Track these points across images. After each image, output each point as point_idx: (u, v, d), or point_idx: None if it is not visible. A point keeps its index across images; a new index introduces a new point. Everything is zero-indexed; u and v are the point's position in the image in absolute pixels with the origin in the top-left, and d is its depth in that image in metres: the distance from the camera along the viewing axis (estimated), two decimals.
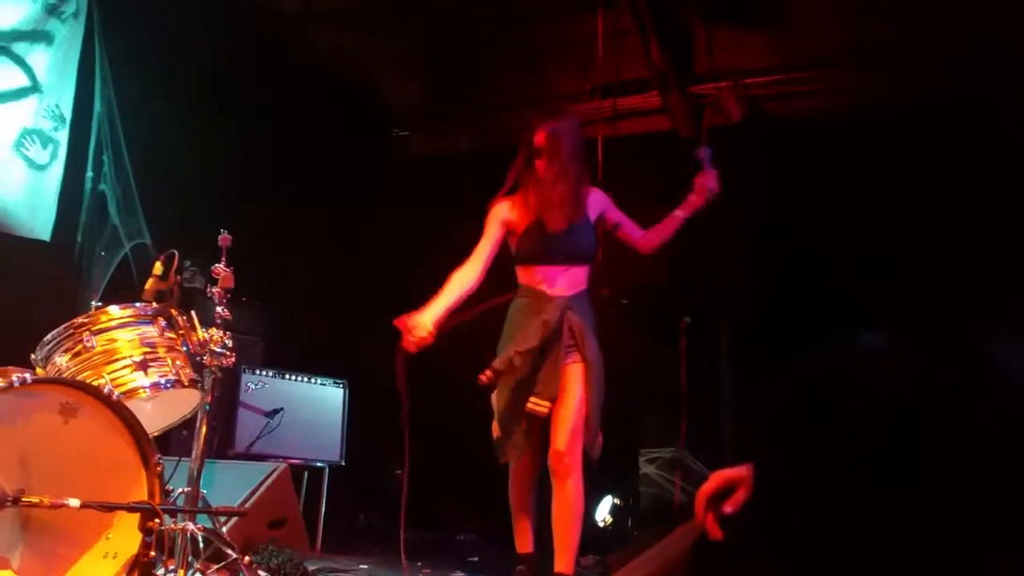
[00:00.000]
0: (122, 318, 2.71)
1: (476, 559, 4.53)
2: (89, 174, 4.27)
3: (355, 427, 4.84)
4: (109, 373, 2.60)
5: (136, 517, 2.19)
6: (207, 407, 2.82)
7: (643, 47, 4.91)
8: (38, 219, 4.09)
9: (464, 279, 3.07)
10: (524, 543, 3.17)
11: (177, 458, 2.87)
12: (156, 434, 2.75)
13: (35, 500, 2.11)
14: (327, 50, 5.60)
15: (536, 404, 3.02)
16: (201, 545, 2.64)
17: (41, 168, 4.11)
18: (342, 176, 5.65)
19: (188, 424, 2.97)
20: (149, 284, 2.83)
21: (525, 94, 5.41)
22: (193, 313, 2.83)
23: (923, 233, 4.21)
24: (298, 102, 5.32)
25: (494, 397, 3.14)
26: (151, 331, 2.73)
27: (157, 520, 2.17)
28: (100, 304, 2.79)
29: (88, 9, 4.27)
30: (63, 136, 4.20)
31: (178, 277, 2.85)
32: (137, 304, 2.78)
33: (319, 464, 4.67)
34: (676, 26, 4.99)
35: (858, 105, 4.80)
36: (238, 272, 2.92)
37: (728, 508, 1.20)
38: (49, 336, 2.68)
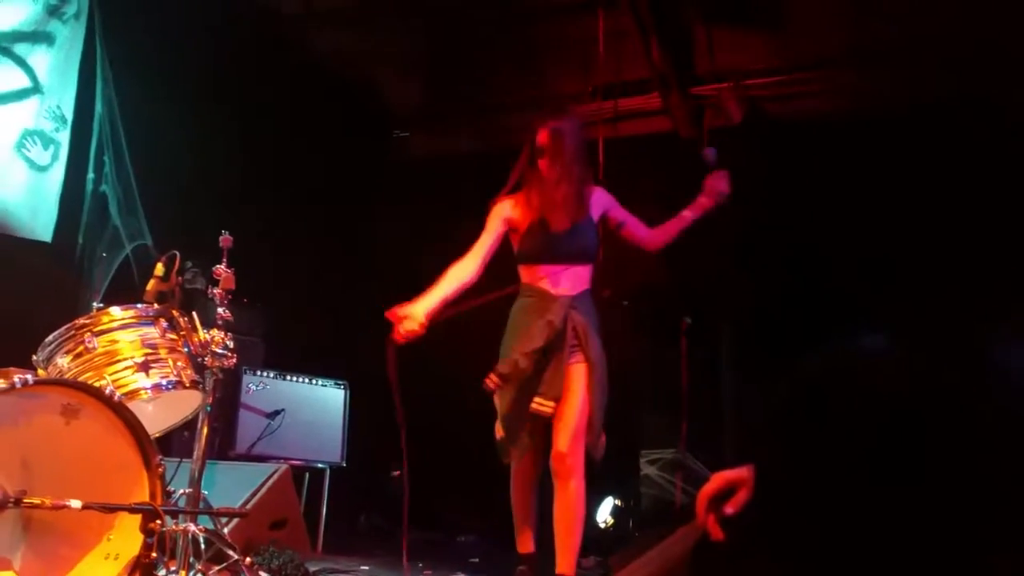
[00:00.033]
0: (124, 319, 2.72)
1: (477, 560, 4.53)
2: (90, 175, 4.27)
3: (356, 428, 4.85)
4: (111, 374, 2.61)
5: (138, 518, 2.19)
6: (208, 408, 2.82)
7: (644, 48, 4.91)
8: (39, 220, 4.09)
9: (461, 273, 3.06)
10: (525, 543, 3.17)
11: (178, 459, 2.88)
12: (157, 435, 2.76)
13: (37, 501, 2.11)
14: (327, 51, 5.60)
15: (540, 404, 3.02)
16: (202, 546, 2.65)
17: (42, 169, 4.12)
18: (343, 177, 5.65)
19: (189, 425, 2.98)
20: (150, 285, 2.83)
21: (525, 95, 5.42)
22: (194, 314, 2.84)
23: (923, 234, 4.21)
24: (299, 103, 5.33)
25: (497, 397, 3.14)
26: (152, 332, 2.74)
27: (158, 521, 2.17)
28: (101, 305, 2.79)
29: (89, 10, 4.28)
30: (64, 137, 4.20)
31: (179, 278, 2.85)
32: (138, 305, 2.78)
33: (320, 465, 4.67)
34: (677, 27, 4.99)
35: (858, 106, 4.80)
36: (239, 273, 2.92)
37: (729, 509, 1.20)
38: (50, 337, 2.69)
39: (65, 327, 2.68)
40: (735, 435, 4.47)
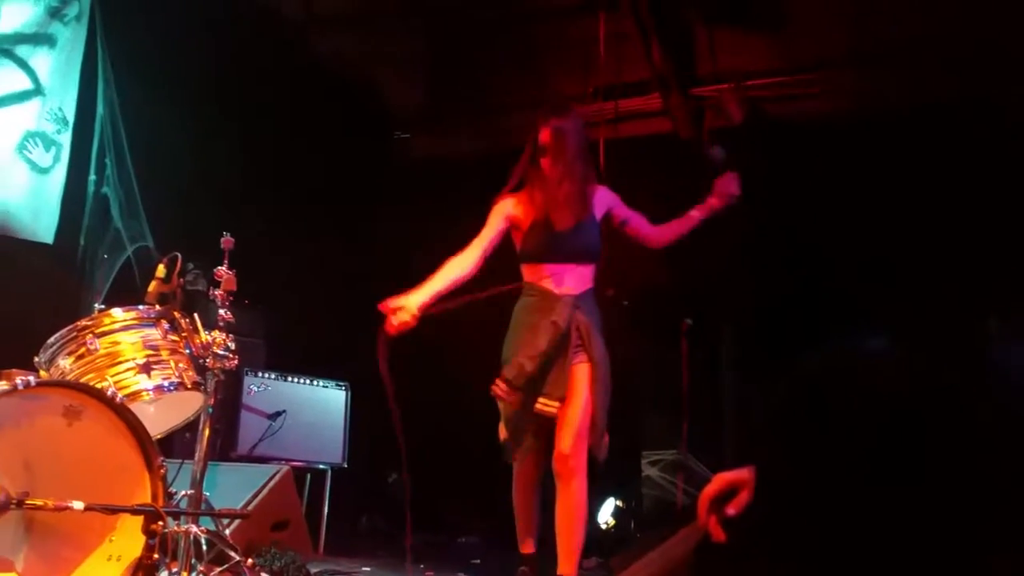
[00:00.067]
0: (125, 321, 2.72)
1: (478, 561, 4.53)
2: (92, 177, 4.28)
3: (357, 429, 4.85)
4: (112, 376, 2.61)
5: (140, 519, 2.19)
6: (210, 409, 2.82)
7: (644, 49, 4.91)
8: (41, 222, 4.10)
9: (458, 267, 3.05)
10: (527, 543, 3.16)
11: (180, 460, 2.88)
12: (159, 436, 2.76)
13: (39, 503, 2.11)
14: (329, 52, 5.61)
15: (545, 405, 3.01)
16: (204, 547, 2.65)
17: (44, 171, 4.13)
18: (344, 178, 5.66)
19: (191, 426, 2.98)
20: (152, 287, 2.84)
21: (526, 96, 5.42)
22: (196, 316, 2.84)
23: (923, 234, 4.21)
24: (300, 104, 5.33)
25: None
26: (154, 334, 2.74)
27: (160, 523, 2.17)
28: (103, 307, 2.80)
29: (91, 12, 4.29)
30: (66, 139, 4.21)
31: (181, 280, 2.85)
32: (140, 307, 2.78)
33: (321, 466, 4.67)
34: (677, 28, 5.00)
35: (859, 106, 4.80)
36: (240, 275, 2.92)
37: (731, 510, 1.19)
38: (52, 339, 2.69)
39: (67, 329, 2.68)
40: (736, 436, 4.47)
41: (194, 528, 2.62)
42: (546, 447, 3.09)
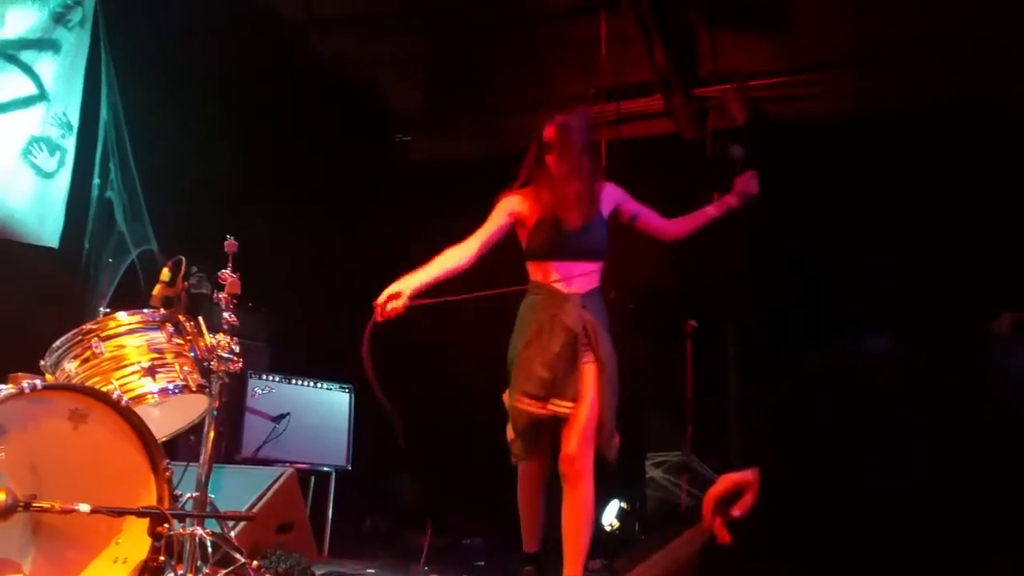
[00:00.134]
0: (130, 324, 2.74)
1: (483, 563, 4.53)
2: (96, 181, 4.30)
3: (361, 431, 4.85)
4: (118, 379, 2.62)
5: (145, 522, 2.21)
6: (215, 412, 2.83)
7: (647, 51, 4.91)
8: (46, 226, 4.11)
9: (454, 257, 3.03)
10: (531, 543, 3.16)
11: (185, 463, 2.89)
12: (164, 439, 2.77)
13: (46, 505, 2.12)
14: (329, 53, 5.62)
15: (560, 406, 2.99)
16: (210, 550, 2.66)
17: (49, 176, 4.14)
18: (348, 181, 5.66)
19: (196, 429, 2.99)
20: (156, 290, 2.85)
21: (527, 97, 5.42)
22: (200, 319, 2.85)
23: (924, 234, 4.20)
24: (303, 108, 5.34)
25: (506, 398, 3.11)
26: (159, 337, 2.75)
27: (166, 525, 2.18)
28: (108, 310, 2.81)
29: (94, 17, 4.30)
30: (70, 143, 4.22)
31: (185, 283, 2.87)
32: (145, 310, 2.80)
33: (325, 468, 4.68)
34: (679, 29, 5.00)
35: (859, 106, 4.80)
36: (244, 278, 2.93)
37: (736, 512, 1.18)
38: (58, 342, 2.71)
39: (72, 332, 2.69)
40: (741, 437, 4.47)
41: (199, 530, 2.63)
42: (552, 448, 3.08)
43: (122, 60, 4.36)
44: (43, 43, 4.12)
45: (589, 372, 3.02)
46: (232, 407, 4.29)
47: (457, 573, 4.06)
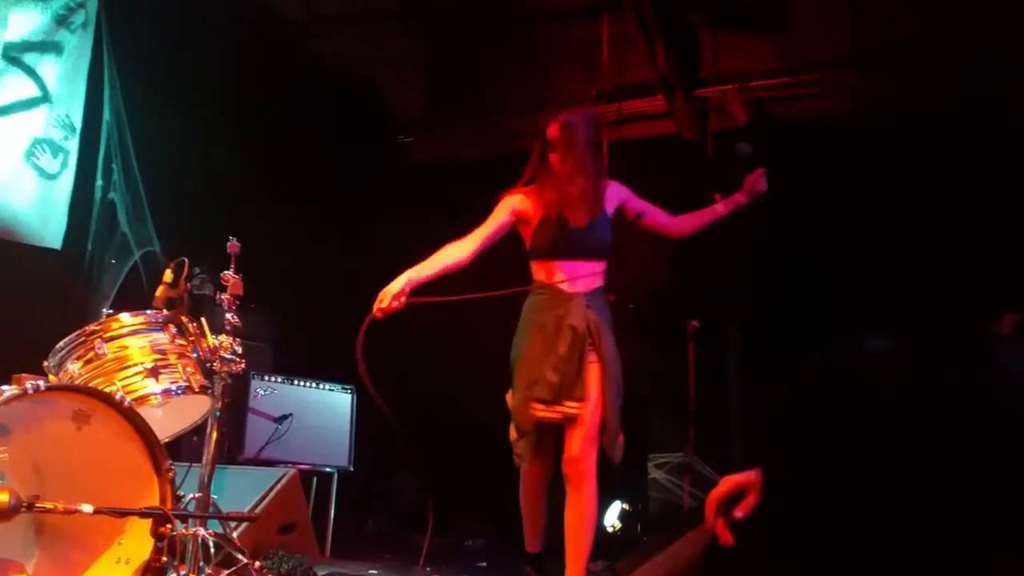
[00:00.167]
0: (133, 325, 2.74)
1: (485, 564, 4.53)
2: (99, 182, 4.31)
3: (363, 432, 4.86)
4: (121, 380, 2.63)
5: (148, 522, 2.21)
6: (217, 413, 2.84)
7: (648, 52, 4.92)
8: (49, 228, 4.12)
9: (453, 253, 3.02)
10: (533, 543, 3.15)
11: (188, 464, 2.89)
12: (167, 440, 2.78)
13: (49, 506, 2.12)
14: (329, 53, 5.63)
15: (568, 407, 2.96)
16: (212, 550, 2.66)
17: (52, 177, 4.15)
18: (349, 182, 5.67)
19: (199, 430, 2.99)
20: (159, 291, 2.85)
21: (527, 97, 5.43)
22: (203, 320, 2.86)
23: (924, 234, 4.21)
24: (303, 108, 5.35)
25: (509, 398, 3.10)
26: (162, 338, 2.76)
27: (169, 525, 2.19)
28: (111, 311, 2.82)
29: (97, 19, 4.31)
30: (73, 145, 4.23)
31: (188, 284, 2.87)
32: (148, 311, 2.81)
33: (328, 469, 4.68)
34: (680, 30, 5.00)
35: (860, 106, 4.81)
36: (247, 279, 2.94)
37: (739, 513, 1.18)
38: (61, 343, 2.71)
39: (75, 333, 2.70)
40: (743, 438, 4.47)
41: (202, 531, 2.63)
42: (555, 449, 3.07)
43: (124, 62, 4.37)
44: (46, 45, 4.13)
45: (593, 372, 3.01)
46: (234, 408, 4.30)
47: (459, 574, 4.06)
